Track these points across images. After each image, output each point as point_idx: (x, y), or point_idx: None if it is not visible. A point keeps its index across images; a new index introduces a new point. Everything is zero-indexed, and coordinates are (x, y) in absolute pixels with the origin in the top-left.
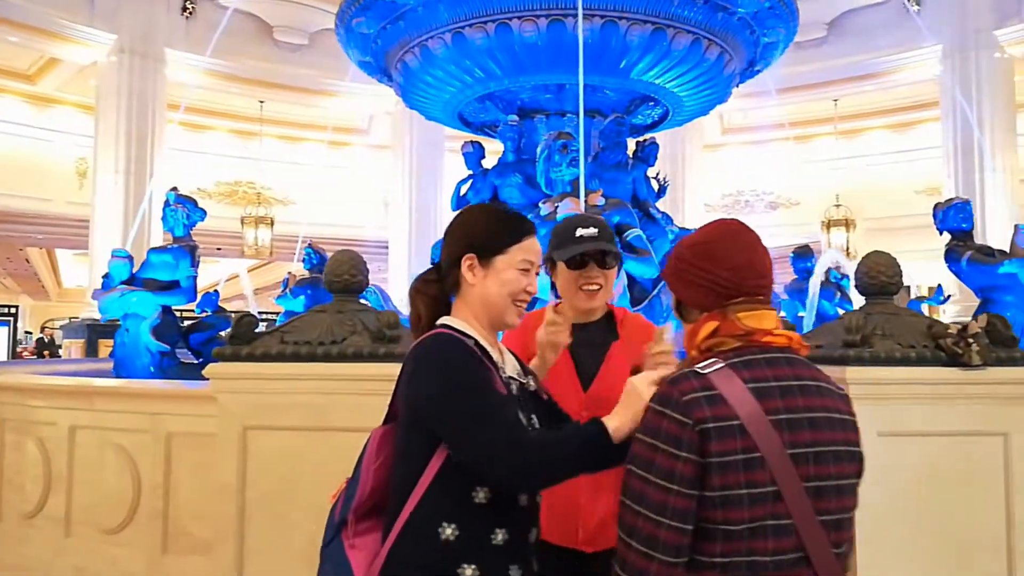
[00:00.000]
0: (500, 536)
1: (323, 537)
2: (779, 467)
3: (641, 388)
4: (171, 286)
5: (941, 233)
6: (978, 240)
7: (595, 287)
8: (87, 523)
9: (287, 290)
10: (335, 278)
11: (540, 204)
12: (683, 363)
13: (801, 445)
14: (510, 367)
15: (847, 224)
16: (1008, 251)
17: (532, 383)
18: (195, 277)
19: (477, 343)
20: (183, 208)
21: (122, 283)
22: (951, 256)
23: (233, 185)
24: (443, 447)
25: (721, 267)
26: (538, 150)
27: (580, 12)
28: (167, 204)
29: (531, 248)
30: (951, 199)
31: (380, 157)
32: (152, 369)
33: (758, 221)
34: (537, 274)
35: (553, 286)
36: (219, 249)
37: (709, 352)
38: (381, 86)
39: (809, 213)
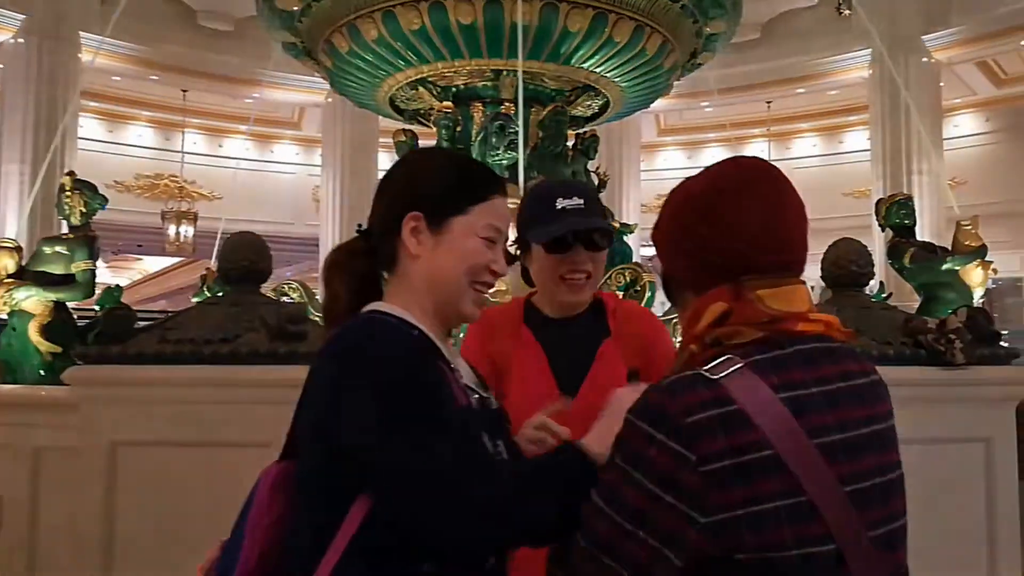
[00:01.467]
0: None
1: None
2: (838, 515)
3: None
4: (65, 280)
5: (883, 230)
6: None
7: (581, 276)
8: None
9: (205, 287)
10: (231, 264)
11: None
12: (680, 361)
13: (865, 477)
14: (466, 375)
15: None
16: (950, 248)
17: (493, 401)
18: (93, 271)
19: (423, 334)
20: (81, 194)
21: (9, 277)
22: (894, 253)
23: (154, 179)
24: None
25: (724, 235)
26: (474, 132)
27: None
28: (62, 190)
29: (500, 211)
30: (893, 195)
31: (310, 151)
32: (42, 373)
33: None
34: (506, 248)
35: (524, 271)
36: (140, 246)
37: (719, 348)
38: (311, 77)
39: None
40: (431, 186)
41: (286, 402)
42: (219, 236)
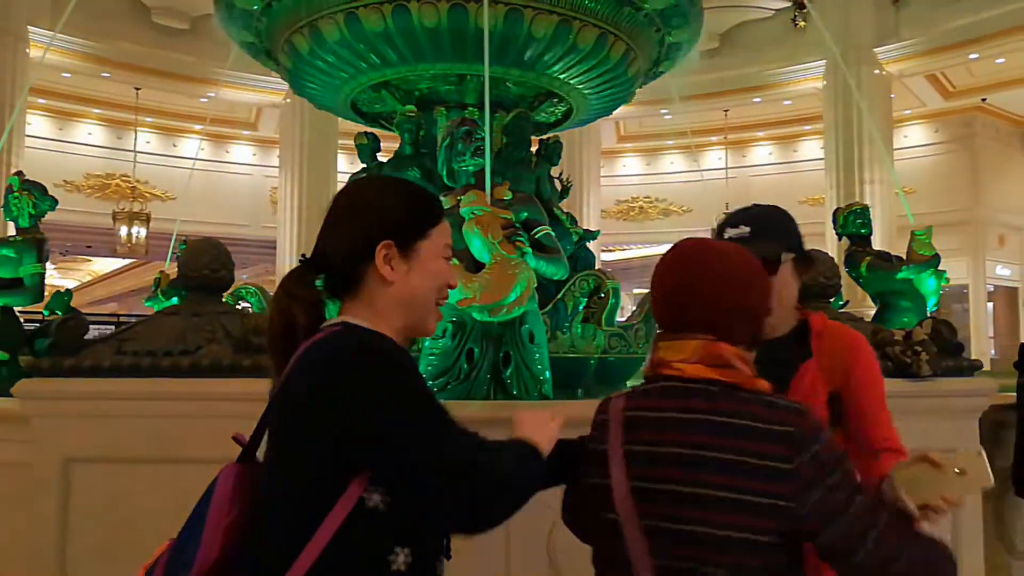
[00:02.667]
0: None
1: None
2: (621, 501)
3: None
4: (13, 284)
5: (840, 239)
6: None
7: None
8: None
9: (158, 291)
10: (192, 272)
11: (442, 197)
12: None
13: (652, 480)
14: None
15: None
16: (905, 257)
17: None
18: (42, 274)
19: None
20: (29, 196)
21: None
22: (851, 261)
23: (105, 178)
24: (353, 489)
25: (654, 295)
26: (440, 139)
27: None
28: (10, 191)
29: (448, 230)
30: (851, 204)
31: (268, 152)
32: None
33: (652, 227)
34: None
35: None
36: (89, 247)
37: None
38: (269, 77)
39: (700, 220)
40: (397, 214)
41: (251, 416)
42: (174, 238)
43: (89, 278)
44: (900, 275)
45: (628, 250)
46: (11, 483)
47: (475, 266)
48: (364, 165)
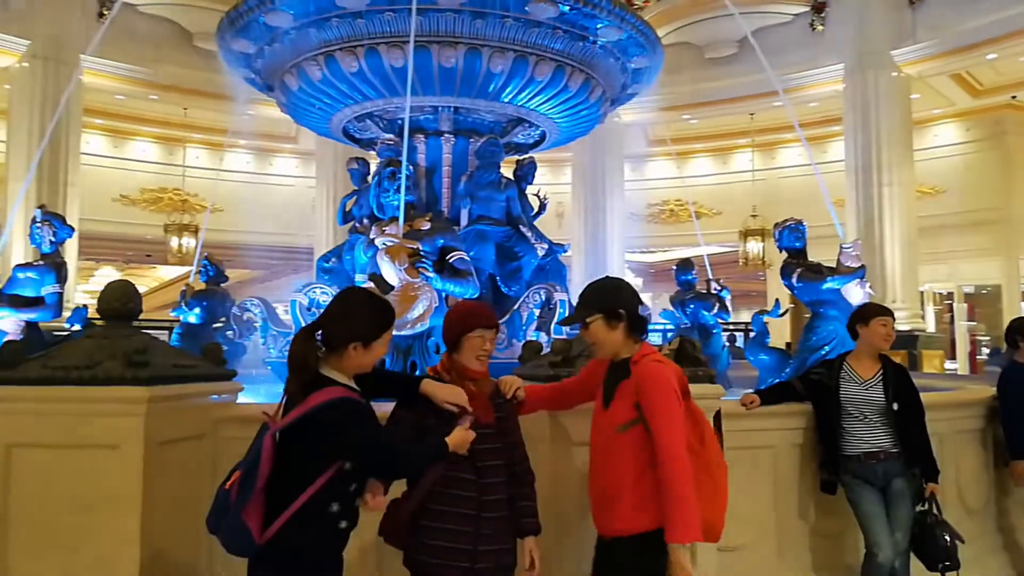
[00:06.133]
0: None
1: (210, 514)
2: None
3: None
4: (36, 302)
5: (780, 251)
6: (877, 251)
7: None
8: None
9: (183, 302)
10: (105, 306)
11: (372, 226)
12: None
13: None
14: None
15: (762, 234)
16: (834, 268)
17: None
18: (60, 294)
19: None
20: (50, 226)
21: None
22: (785, 272)
23: (158, 192)
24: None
25: None
26: (370, 177)
27: (412, 40)
28: (34, 221)
29: (391, 332)
30: (786, 220)
31: (309, 164)
32: None
33: (681, 230)
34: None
35: None
36: (149, 256)
37: None
38: None
39: (729, 222)
40: (365, 328)
41: (129, 415)
42: (198, 251)
43: (155, 284)
44: (825, 285)
45: (670, 251)
46: None
47: (387, 288)
48: (355, 187)
